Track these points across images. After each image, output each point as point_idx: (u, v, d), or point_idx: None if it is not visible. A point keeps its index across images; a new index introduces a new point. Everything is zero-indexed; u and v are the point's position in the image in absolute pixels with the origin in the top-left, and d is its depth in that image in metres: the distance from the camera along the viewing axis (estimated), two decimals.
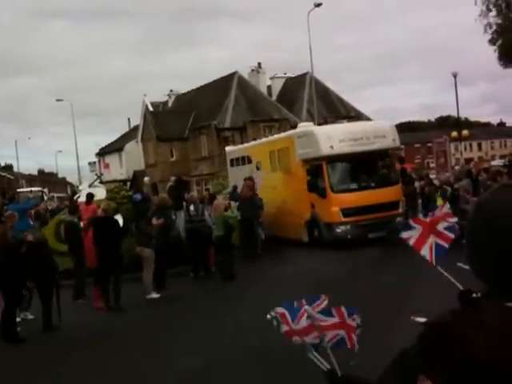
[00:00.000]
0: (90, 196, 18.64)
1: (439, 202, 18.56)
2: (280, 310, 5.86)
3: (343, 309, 5.95)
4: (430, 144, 58.24)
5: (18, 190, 40.63)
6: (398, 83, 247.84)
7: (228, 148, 30.91)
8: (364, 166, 21.00)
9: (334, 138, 20.33)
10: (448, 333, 1.45)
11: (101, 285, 14.19)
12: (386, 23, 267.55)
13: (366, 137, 20.49)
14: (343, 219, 19.94)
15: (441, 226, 6.62)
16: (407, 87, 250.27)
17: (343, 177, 20.95)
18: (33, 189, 52.94)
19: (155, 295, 14.81)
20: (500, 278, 1.53)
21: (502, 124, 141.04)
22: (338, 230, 20.02)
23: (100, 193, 24.75)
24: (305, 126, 23.71)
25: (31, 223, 17.29)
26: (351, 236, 19.87)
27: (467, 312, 1.51)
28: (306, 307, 5.80)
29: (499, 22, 37.30)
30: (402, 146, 29.01)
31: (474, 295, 1.57)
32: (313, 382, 7.88)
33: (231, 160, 28.38)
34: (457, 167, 35.31)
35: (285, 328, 6.18)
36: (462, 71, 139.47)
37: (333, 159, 20.35)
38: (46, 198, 43.57)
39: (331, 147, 19.99)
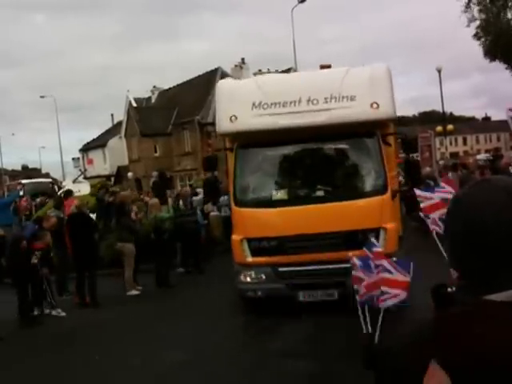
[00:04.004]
0: (68, 192, 18.79)
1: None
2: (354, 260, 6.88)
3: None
4: None
5: (23, 181, 38.90)
6: None
7: None
8: (308, 158, 11.60)
9: (242, 100, 10.86)
10: (462, 326, 1.48)
11: (76, 281, 14.25)
12: (371, 16, 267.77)
13: (311, 99, 10.58)
14: (250, 259, 10.90)
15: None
16: (393, 81, 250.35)
17: (260, 177, 11.63)
18: (41, 180, 49.09)
19: (135, 292, 14.77)
20: (475, 271, 1.57)
21: (487, 118, 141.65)
22: (242, 279, 11.07)
23: (84, 188, 24.57)
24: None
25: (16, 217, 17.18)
26: (263, 294, 10.92)
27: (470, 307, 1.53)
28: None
29: (483, 17, 37.32)
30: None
31: (449, 289, 1.64)
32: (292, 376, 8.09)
33: None
34: (441, 162, 35.21)
35: (354, 274, 7.05)
36: (448, 65, 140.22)
37: (245, 141, 11.26)
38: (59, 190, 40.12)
39: (234, 118, 10.72)
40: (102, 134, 70.96)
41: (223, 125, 10.90)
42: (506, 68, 39.07)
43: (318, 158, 11.52)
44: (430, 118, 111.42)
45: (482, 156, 48.28)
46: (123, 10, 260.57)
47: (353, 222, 10.39)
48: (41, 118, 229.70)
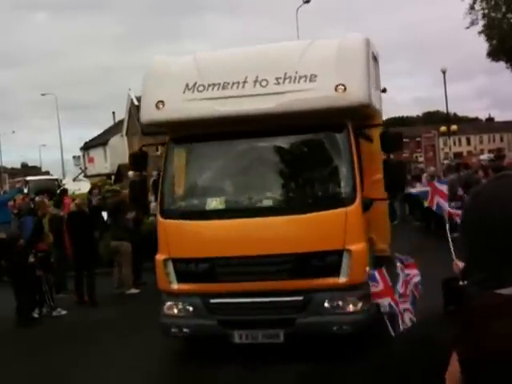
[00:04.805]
0: (64, 191, 18.96)
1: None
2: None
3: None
4: (418, 139, 58.09)
5: (28, 179, 38.44)
6: (389, 78, 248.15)
7: None
8: (253, 157, 9.05)
9: (174, 81, 8.52)
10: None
11: (74, 279, 14.24)
12: (377, 17, 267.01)
13: (259, 79, 8.18)
14: (176, 286, 8.58)
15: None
16: (397, 82, 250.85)
17: (192, 180, 9.37)
18: (47, 177, 48.03)
19: (134, 290, 14.65)
20: (490, 265, 1.54)
21: (490, 119, 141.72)
22: (166, 311, 8.74)
23: (84, 187, 24.48)
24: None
25: (12, 216, 17.11)
26: (190, 331, 8.62)
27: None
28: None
29: (487, 18, 37.15)
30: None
31: (461, 283, 1.69)
32: None
33: None
34: (446, 161, 35.07)
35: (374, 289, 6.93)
36: (453, 66, 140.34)
37: (177, 134, 8.98)
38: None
39: (161, 104, 8.42)
40: (103, 133, 70.97)
41: (147, 112, 8.66)
42: (507, 67, 38.90)
43: (266, 157, 8.93)
44: (434, 119, 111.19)
45: (484, 156, 48.14)
46: (126, 11, 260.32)
47: (307, 242, 7.98)
48: (41, 116, 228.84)
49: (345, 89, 7.79)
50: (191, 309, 8.47)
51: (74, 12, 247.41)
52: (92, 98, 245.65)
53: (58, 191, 24.63)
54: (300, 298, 7.99)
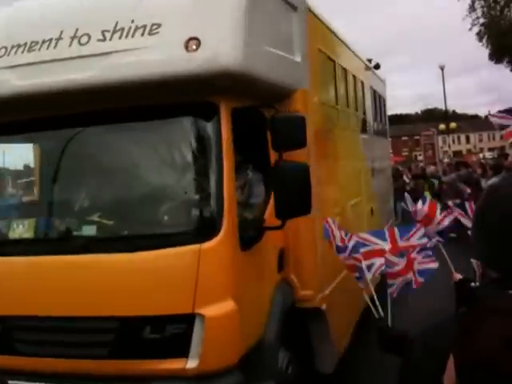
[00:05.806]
0: None
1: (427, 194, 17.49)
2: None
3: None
4: (417, 137, 58.13)
5: None
6: (387, 74, 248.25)
7: None
8: (71, 158, 5.25)
9: None
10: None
11: None
12: (376, 12, 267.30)
13: (78, 34, 4.83)
14: None
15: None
16: (396, 79, 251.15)
17: (5, 191, 6.41)
18: None
19: None
20: (507, 263, 1.52)
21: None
22: None
23: None
24: None
25: None
26: None
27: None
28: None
29: (487, 16, 37.13)
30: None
31: (473, 284, 1.69)
32: None
33: None
34: (446, 160, 34.95)
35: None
36: (455, 60, 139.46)
37: None
38: None
39: None
40: None
41: None
42: (510, 69, 38.82)
43: (88, 158, 5.41)
44: (432, 116, 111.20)
45: (488, 154, 47.99)
46: None
47: (139, 300, 4.55)
48: None
49: (198, 45, 4.53)
50: None
51: None
52: None
53: None
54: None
